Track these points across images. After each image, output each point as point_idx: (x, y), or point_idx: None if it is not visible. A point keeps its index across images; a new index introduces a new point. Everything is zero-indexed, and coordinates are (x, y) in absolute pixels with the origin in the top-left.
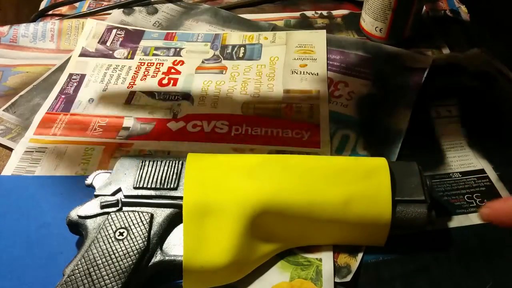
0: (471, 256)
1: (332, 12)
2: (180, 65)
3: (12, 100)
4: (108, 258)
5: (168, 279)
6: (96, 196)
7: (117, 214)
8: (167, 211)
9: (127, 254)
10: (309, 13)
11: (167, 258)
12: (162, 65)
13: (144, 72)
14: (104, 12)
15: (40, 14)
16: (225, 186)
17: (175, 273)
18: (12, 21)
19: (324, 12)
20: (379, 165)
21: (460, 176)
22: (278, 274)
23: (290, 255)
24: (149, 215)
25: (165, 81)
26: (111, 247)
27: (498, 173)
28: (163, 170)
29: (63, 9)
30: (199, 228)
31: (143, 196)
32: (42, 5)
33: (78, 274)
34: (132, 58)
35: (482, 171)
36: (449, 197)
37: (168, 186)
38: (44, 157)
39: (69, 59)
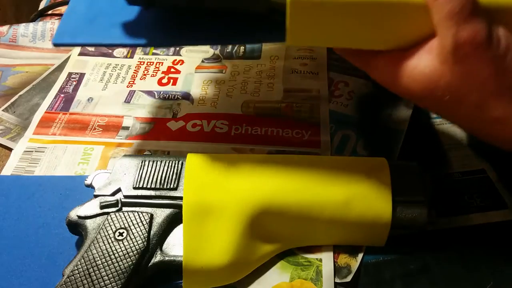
0: (471, 256)
1: None
2: (180, 64)
3: (12, 100)
4: (108, 258)
5: (168, 279)
6: (96, 196)
7: (117, 214)
8: (167, 211)
9: (126, 255)
10: None
11: (167, 258)
12: (161, 65)
13: (143, 71)
14: None
15: (39, 13)
16: (225, 186)
17: (175, 273)
18: (11, 21)
19: None
20: (379, 165)
21: (460, 176)
22: (278, 274)
23: (290, 256)
24: (149, 215)
25: (164, 81)
26: (110, 247)
27: (498, 173)
28: (163, 170)
29: (63, 9)
30: (199, 228)
31: (143, 196)
32: (42, 5)
33: (78, 275)
34: (131, 57)
35: (482, 171)
36: (449, 197)
37: (168, 186)
38: (44, 157)
39: (68, 58)
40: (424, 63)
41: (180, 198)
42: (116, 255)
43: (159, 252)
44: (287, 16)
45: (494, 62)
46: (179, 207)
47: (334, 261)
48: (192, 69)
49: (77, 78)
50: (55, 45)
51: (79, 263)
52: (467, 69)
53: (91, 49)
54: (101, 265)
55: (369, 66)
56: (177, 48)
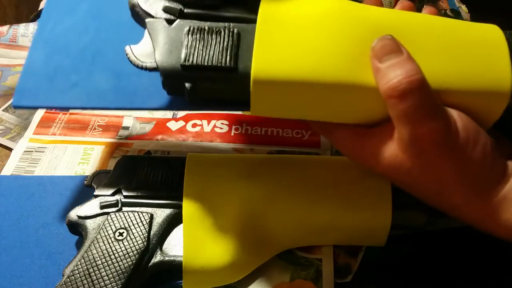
0: (471, 256)
1: None
2: None
3: (12, 100)
4: (108, 258)
5: (168, 279)
6: (96, 196)
7: (117, 214)
8: (167, 211)
9: (126, 255)
10: None
11: (167, 258)
12: None
13: None
14: None
15: (39, 13)
16: (225, 186)
17: (175, 273)
18: (11, 21)
19: None
20: None
21: None
22: (278, 274)
23: (290, 255)
24: (149, 215)
25: None
26: (110, 247)
27: None
28: (163, 170)
29: None
30: (199, 228)
31: (143, 196)
32: (42, 5)
33: (78, 275)
34: None
35: None
36: None
37: (168, 186)
38: (44, 157)
39: None
40: (385, 147)
41: (180, 198)
42: (116, 255)
43: (159, 252)
44: (251, 91)
45: (453, 155)
46: (179, 207)
47: (334, 261)
48: None
49: None
50: (15, 107)
51: (79, 263)
52: (426, 162)
53: None
54: (101, 265)
55: (333, 137)
56: None
